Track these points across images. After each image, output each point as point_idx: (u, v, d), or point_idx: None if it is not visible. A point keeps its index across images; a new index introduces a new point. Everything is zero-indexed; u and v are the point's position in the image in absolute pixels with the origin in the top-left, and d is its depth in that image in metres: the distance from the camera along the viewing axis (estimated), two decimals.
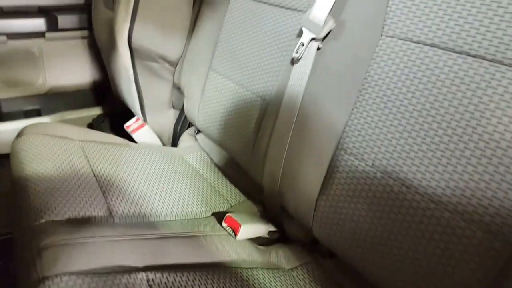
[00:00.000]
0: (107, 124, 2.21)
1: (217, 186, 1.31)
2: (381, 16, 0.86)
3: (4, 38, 2.05)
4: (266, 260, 1.03)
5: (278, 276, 0.96)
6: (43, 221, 0.92)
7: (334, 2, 0.95)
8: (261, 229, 1.14)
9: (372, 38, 0.87)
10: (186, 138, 1.60)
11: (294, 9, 1.09)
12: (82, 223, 0.95)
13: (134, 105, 1.67)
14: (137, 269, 0.81)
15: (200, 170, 1.36)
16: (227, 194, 1.29)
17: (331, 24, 0.95)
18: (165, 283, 0.79)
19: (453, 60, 0.73)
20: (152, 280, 0.79)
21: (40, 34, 2.14)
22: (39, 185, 1.01)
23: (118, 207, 1.05)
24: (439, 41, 0.75)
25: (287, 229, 1.18)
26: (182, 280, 0.81)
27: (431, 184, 0.73)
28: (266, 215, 1.21)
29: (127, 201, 1.08)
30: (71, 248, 0.82)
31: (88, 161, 1.18)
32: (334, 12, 0.95)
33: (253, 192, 1.29)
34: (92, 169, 1.15)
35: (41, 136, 1.26)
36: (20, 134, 1.34)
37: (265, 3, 1.18)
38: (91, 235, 0.88)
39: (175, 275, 0.82)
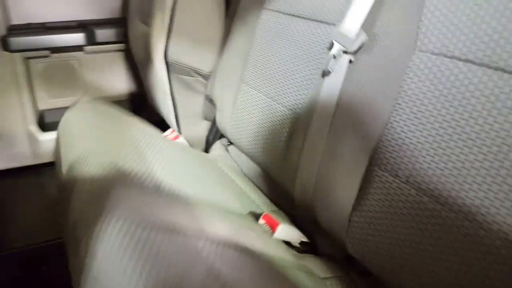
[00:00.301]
0: None
1: (250, 194, 1.32)
2: (414, 30, 0.85)
3: (48, 52, 2.15)
4: (300, 263, 1.03)
5: (313, 280, 0.96)
6: None
7: (366, 16, 0.95)
8: (296, 234, 1.14)
9: (404, 53, 0.86)
10: (217, 148, 1.62)
11: (325, 22, 1.09)
12: None
13: (170, 117, 1.71)
14: None
15: (232, 177, 1.38)
16: (260, 202, 1.30)
17: (363, 38, 0.95)
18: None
19: (488, 76, 0.71)
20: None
21: (79, 48, 2.23)
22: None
23: None
24: (473, 56, 0.74)
25: (319, 243, 1.18)
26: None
27: (466, 202, 0.72)
28: (297, 227, 1.22)
29: None
30: None
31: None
32: (366, 25, 0.95)
33: (285, 203, 1.30)
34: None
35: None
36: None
37: (295, 16, 1.18)
38: None
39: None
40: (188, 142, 1.70)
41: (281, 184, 1.19)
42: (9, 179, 2.11)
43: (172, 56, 1.51)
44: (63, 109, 2.35)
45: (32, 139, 2.19)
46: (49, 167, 2.23)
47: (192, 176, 1.18)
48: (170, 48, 1.50)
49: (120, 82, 2.43)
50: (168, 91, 1.61)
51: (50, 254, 1.50)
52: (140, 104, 2.55)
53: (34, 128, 2.19)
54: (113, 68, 2.38)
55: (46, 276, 1.40)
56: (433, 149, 0.78)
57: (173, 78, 1.58)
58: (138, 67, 2.19)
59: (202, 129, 1.73)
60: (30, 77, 2.16)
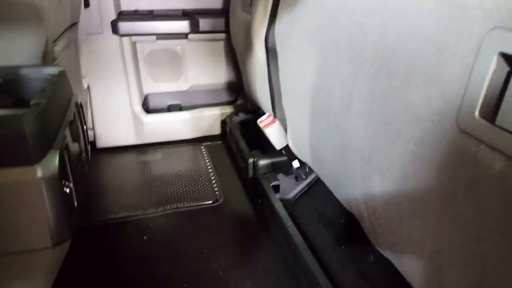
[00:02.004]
0: (238, 121, 2.38)
1: None
2: None
3: (154, 38, 2.34)
4: None
5: None
6: None
7: None
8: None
9: None
10: None
11: None
12: None
13: (266, 102, 1.79)
14: None
15: None
16: None
17: None
18: None
19: None
20: None
21: (183, 35, 2.39)
22: None
23: None
24: None
25: None
26: None
27: None
28: None
29: None
30: None
31: None
32: None
33: None
34: None
35: None
36: None
37: None
38: None
39: None
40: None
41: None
42: (115, 157, 2.33)
43: (272, 41, 1.58)
44: (166, 94, 2.55)
45: (137, 121, 2.40)
46: (151, 147, 2.44)
47: None
48: (271, 33, 1.57)
49: (219, 71, 2.56)
50: (267, 76, 1.69)
51: (150, 224, 1.65)
52: (237, 93, 2.68)
53: (139, 110, 2.39)
54: (213, 57, 2.52)
55: (147, 244, 1.55)
56: None
57: (271, 63, 1.65)
58: (237, 56, 2.30)
59: None
60: (136, 61, 2.37)
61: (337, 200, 1.61)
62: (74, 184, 1.05)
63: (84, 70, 2.14)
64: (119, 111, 2.35)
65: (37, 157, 0.91)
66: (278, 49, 1.50)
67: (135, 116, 2.38)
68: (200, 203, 1.88)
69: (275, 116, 1.75)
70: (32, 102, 0.96)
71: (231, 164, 2.25)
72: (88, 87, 2.19)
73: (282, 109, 1.61)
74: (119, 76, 2.30)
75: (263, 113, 1.89)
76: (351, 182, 1.11)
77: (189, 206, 1.85)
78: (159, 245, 1.61)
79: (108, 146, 2.39)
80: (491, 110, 0.63)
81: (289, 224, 1.48)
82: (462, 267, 0.73)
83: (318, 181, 1.84)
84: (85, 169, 1.26)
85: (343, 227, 1.61)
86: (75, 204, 1.05)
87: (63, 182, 0.98)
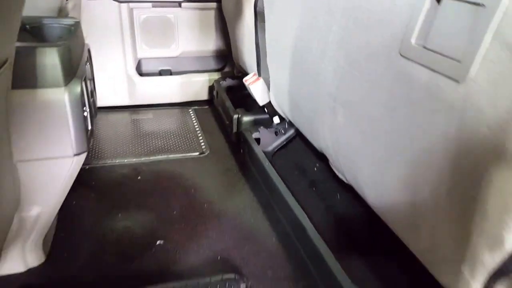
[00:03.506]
0: (225, 85, 2.65)
1: None
2: None
3: (150, 5, 2.59)
4: None
5: None
6: None
7: None
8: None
9: None
10: None
11: None
12: None
13: (252, 64, 2.06)
14: None
15: None
16: None
17: None
18: None
19: None
20: None
21: (177, 4, 2.63)
22: None
23: None
24: None
25: None
26: None
27: None
28: None
29: None
30: None
31: None
32: None
33: None
34: None
35: None
36: None
37: None
38: None
39: None
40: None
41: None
42: (110, 115, 2.60)
43: (261, 5, 1.84)
44: (157, 59, 2.81)
45: (131, 83, 2.65)
46: (143, 108, 2.70)
47: None
48: None
49: (209, 38, 2.81)
50: (254, 38, 1.95)
51: (142, 168, 1.93)
52: (225, 60, 2.95)
53: (133, 73, 2.65)
54: (204, 25, 2.76)
55: (141, 182, 1.83)
56: None
57: (259, 27, 1.91)
58: (227, 24, 2.56)
59: None
60: (132, 27, 2.60)
61: (312, 152, 1.90)
62: (89, 111, 1.32)
63: (84, 33, 2.38)
64: (114, 74, 2.57)
65: (65, 82, 1.17)
66: (266, 12, 1.76)
67: (129, 79, 2.62)
68: (188, 154, 2.16)
69: (259, 75, 2.02)
70: (58, 42, 1.22)
71: (217, 125, 2.52)
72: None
73: (266, 69, 1.88)
74: (116, 41, 2.51)
75: None
76: (321, 121, 1.38)
77: (178, 156, 2.13)
78: (151, 183, 1.88)
79: (104, 106, 2.62)
80: (423, 37, 0.85)
81: (267, 164, 1.75)
82: (405, 177, 0.99)
83: (295, 137, 2.12)
84: (95, 107, 1.53)
85: (315, 173, 1.90)
86: (89, 127, 1.31)
87: (82, 106, 1.24)
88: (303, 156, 2.03)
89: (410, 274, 1.25)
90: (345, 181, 1.36)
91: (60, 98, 1.16)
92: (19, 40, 0.96)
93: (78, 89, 1.19)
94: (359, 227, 1.49)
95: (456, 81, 0.74)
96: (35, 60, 1.11)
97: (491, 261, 0.67)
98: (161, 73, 2.79)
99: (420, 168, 0.87)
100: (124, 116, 2.56)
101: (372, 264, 1.34)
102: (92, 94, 1.38)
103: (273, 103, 1.88)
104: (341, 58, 1.18)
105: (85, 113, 1.26)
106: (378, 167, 1.06)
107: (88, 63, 1.39)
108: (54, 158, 1.21)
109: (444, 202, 0.80)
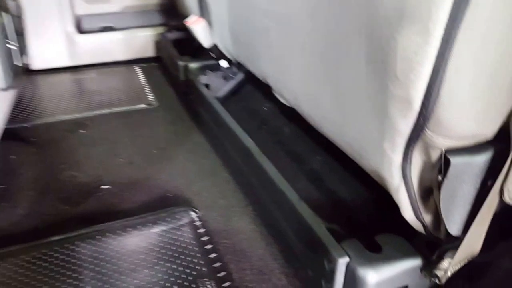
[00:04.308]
0: (171, 37, 2.63)
1: None
2: None
3: None
4: None
5: None
6: None
7: None
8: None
9: None
10: None
11: None
12: None
13: (193, 5, 2.06)
14: None
15: None
16: None
17: None
18: None
19: None
20: None
21: None
22: None
23: None
24: None
25: None
26: None
27: None
28: None
29: None
30: None
31: None
32: None
33: None
34: None
35: None
36: None
37: None
38: None
39: None
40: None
41: None
42: (50, 77, 2.55)
43: None
44: (98, 15, 2.76)
45: (70, 42, 2.60)
46: (86, 68, 2.67)
47: None
48: None
49: None
50: None
51: (86, 122, 1.93)
52: (170, 14, 2.92)
53: (72, 30, 2.59)
54: None
55: (84, 136, 1.83)
56: None
57: None
58: None
59: None
60: None
61: (261, 95, 1.94)
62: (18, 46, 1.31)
63: None
64: (52, 32, 2.52)
65: None
66: None
67: (68, 37, 2.56)
68: (135, 107, 2.16)
69: (202, 16, 2.03)
70: None
71: (165, 79, 2.52)
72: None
73: (207, 8, 1.90)
74: None
75: None
76: (259, 45, 1.41)
77: (124, 109, 2.13)
78: (96, 135, 1.86)
79: (43, 68, 2.56)
80: None
81: (217, 104, 1.77)
82: (330, 78, 1.03)
83: (245, 82, 2.15)
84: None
85: (264, 112, 1.94)
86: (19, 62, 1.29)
87: (7, 40, 1.24)
88: (253, 99, 2.06)
89: (362, 193, 1.31)
90: (287, 104, 1.40)
91: None
92: None
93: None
94: (307, 154, 1.55)
95: None
96: None
97: (405, 127, 0.73)
98: (102, 30, 2.75)
99: (343, 64, 0.92)
100: (66, 77, 2.53)
101: (319, 185, 1.40)
102: (21, 32, 1.37)
103: (218, 43, 1.90)
104: None
105: (11, 46, 1.25)
106: (309, 77, 1.10)
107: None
108: None
109: (364, 90, 0.85)
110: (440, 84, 0.63)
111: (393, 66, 0.69)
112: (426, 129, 0.70)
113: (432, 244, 0.96)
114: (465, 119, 0.67)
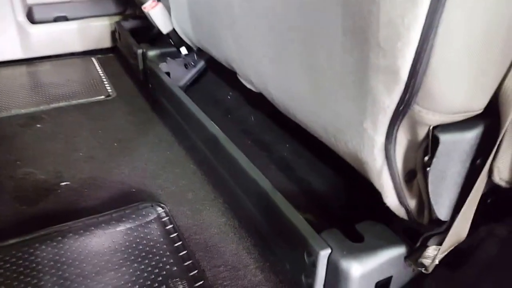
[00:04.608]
0: (128, 26, 2.51)
1: None
2: None
3: None
4: None
5: None
6: None
7: None
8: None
9: None
10: None
11: None
12: None
13: None
14: None
15: None
16: None
17: None
18: None
19: None
20: None
21: None
22: None
23: None
24: None
25: None
26: None
27: None
28: None
29: None
30: None
31: None
32: None
33: None
34: None
35: None
36: None
37: None
38: None
39: None
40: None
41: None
42: (3, 70, 2.39)
43: None
44: (51, 5, 2.61)
45: (22, 32, 2.44)
46: (40, 60, 2.52)
47: None
48: None
49: None
50: None
51: (42, 116, 1.81)
52: (126, 2, 2.79)
53: (23, 20, 2.44)
54: None
55: (41, 130, 1.71)
56: None
57: None
58: None
59: None
60: None
61: (224, 82, 1.86)
62: None
63: None
64: (1, 22, 2.37)
65: None
66: None
67: (20, 28, 2.41)
68: (93, 98, 2.04)
69: (159, 0, 1.92)
70: None
71: (124, 70, 2.41)
72: None
73: None
74: None
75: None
76: (222, 28, 1.33)
77: (82, 101, 2.01)
78: (53, 129, 1.75)
79: None
80: None
81: (179, 92, 1.68)
82: (302, 60, 0.96)
83: (207, 69, 2.06)
84: None
85: (229, 101, 1.86)
86: None
87: None
88: (216, 88, 1.98)
89: (337, 180, 1.26)
90: (254, 89, 1.33)
91: None
92: None
93: None
94: (275, 142, 1.48)
95: None
96: None
97: (389, 102, 0.66)
98: (56, 20, 2.60)
99: (317, 37, 0.84)
100: (19, 70, 2.38)
101: (290, 174, 1.34)
102: None
103: (176, 28, 1.80)
104: None
105: None
106: (278, 56, 1.03)
107: None
108: None
109: (341, 64, 0.78)
110: (431, 51, 0.57)
111: (375, 34, 0.62)
112: (414, 103, 0.63)
113: (410, 230, 0.91)
114: (457, 89, 0.61)
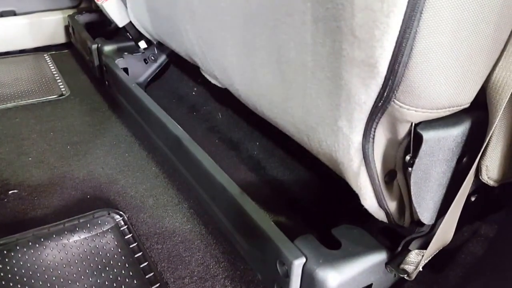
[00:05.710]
0: (82, 20, 2.40)
1: None
2: None
3: None
4: None
5: None
6: None
7: None
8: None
9: None
10: None
11: None
12: None
13: None
14: None
15: None
16: None
17: None
18: None
19: None
20: None
21: None
22: None
23: None
24: None
25: None
26: None
27: None
28: None
29: None
30: None
31: None
32: None
33: None
34: None
35: None
36: None
37: None
38: None
39: None
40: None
41: None
42: None
43: None
44: None
45: None
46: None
47: None
48: None
49: None
50: None
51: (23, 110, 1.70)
52: None
53: None
54: None
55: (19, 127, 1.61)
56: None
57: None
58: None
59: None
60: None
61: (189, 78, 1.79)
62: None
63: None
64: None
65: None
66: None
67: None
68: (44, 98, 1.93)
69: None
70: None
71: (79, 67, 2.30)
72: None
73: None
74: None
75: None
76: (182, 20, 1.26)
77: (32, 101, 1.90)
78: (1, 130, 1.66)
79: None
80: None
81: (137, 90, 1.59)
82: (270, 54, 0.90)
83: (169, 64, 1.99)
84: None
85: (194, 97, 1.79)
86: None
87: None
88: (180, 83, 1.91)
89: (310, 181, 1.21)
90: (219, 85, 1.26)
91: None
92: None
93: None
94: (244, 141, 1.43)
95: None
96: None
97: (366, 98, 0.61)
98: (2, 14, 2.47)
99: (284, 26, 0.78)
100: None
101: (260, 175, 1.28)
102: None
103: (134, 21, 1.71)
104: None
105: None
106: (243, 48, 0.96)
107: None
108: None
109: (312, 56, 0.72)
110: (414, 40, 0.51)
111: (349, 22, 0.57)
112: (394, 99, 0.58)
113: (389, 232, 0.87)
114: (443, 82, 0.56)
